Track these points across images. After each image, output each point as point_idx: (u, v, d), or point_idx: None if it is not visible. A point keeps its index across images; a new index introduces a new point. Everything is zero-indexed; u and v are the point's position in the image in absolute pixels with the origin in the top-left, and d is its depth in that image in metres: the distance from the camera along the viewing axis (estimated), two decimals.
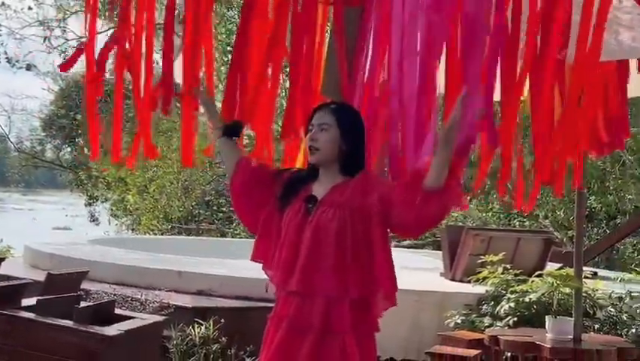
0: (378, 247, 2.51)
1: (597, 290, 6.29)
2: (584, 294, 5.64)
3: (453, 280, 7.56)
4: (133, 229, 18.75)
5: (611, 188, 12.60)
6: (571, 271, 5.26)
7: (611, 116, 3.57)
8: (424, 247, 14.99)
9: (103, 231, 19.34)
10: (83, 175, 20.88)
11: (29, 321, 4.25)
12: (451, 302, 6.46)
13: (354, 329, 2.50)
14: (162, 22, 3.24)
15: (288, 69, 3.19)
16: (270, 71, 3.20)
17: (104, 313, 4.50)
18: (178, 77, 3.21)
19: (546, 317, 5.00)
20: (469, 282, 6.81)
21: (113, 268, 7.27)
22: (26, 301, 4.52)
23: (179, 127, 4.17)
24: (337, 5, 3.08)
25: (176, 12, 3.31)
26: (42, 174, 30.94)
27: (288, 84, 3.20)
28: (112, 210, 20.17)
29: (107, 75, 3.87)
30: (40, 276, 5.32)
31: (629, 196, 12.96)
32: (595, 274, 8.29)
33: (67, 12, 19.28)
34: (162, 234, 17.06)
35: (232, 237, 16.12)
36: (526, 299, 5.87)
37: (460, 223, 12.63)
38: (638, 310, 6.21)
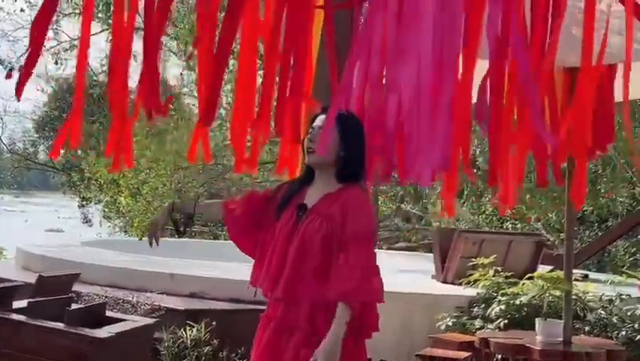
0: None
1: (588, 293, 6.31)
2: (574, 296, 5.66)
3: (444, 282, 7.57)
4: (125, 231, 18.71)
5: (603, 191, 12.64)
6: (561, 273, 5.29)
7: (597, 121, 3.59)
8: (416, 250, 15.02)
9: (95, 233, 19.30)
10: (76, 177, 20.83)
11: (20, 323, 4.25)
12: (443, 305, 6.48)
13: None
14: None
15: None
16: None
17: (95, 316, 4.50)
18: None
19: (536, 319, 5.02)
20: (460, 284, 6.83)
21: (105, 270, 7.26)
22: (17, 304, 4.51)
23: (172, 129, 4.17)
24: (328, 8, 3.09)
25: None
26: (35, 176, 30.89)
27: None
28: (104, 212, 20.13)
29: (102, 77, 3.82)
30: (32, 278, 5.29)
31: (621, 199, 13.01)
32: (586, 276, 8.33)
33: (60, 14, 19.23)
34: None
35: (224, 239, 16.10)
36: (517, 302, 5.89)
37: (452, 226, 12.65)
38: (628, 313, 6.23)
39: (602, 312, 6.25)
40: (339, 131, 2.62)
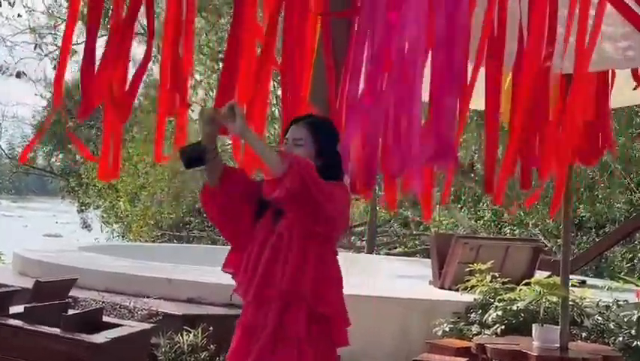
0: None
1: (585, 298, 6.31)
2: (571, 302, 5.67)
3: (442, 288, 7.57)
4: (123, 236, 18.71)
5: (600, 197, 12.67)
6: (558, 279, 5.29)
7: (593, 127, 3.60)
8: (414, 255, 15.02)
9: (94, 238, 19.29)
10: (74, 182, 20.83)
11: (17, 329, 4.24)
12: (440, 310, 6.48)
13: (311, 337, 2.54)
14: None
15: (278, 77, 3.22)
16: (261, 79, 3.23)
17: (92, 321, 4.49)
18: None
19: (533, 325, 5.02)
20: (457, 290, 6.83)
21: (102, 275, 7.25)
22: (14, 309, 4.51)
23: (171, 134, 4.18)
24: (325, 15, 3.11)
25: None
26: (33, 181, 30.88)
27: (279, 92, 3.23)
28: (103, 217, 20.13)
29: None
30: (29, 283, 5.30)
31: (618, 205, 13.03)
32: (583, 282, 8.32)
33: (59, 19, 19.25)
34: (153, 241, 17.03)
35: (223, 245, 16.09)
36: (514, 308, 5.89)
37: (450, 232, 12.67)
38: (625, 319, 6.23)
39: (599, 318, 6.25)
40: (314, 142, 2.62)
